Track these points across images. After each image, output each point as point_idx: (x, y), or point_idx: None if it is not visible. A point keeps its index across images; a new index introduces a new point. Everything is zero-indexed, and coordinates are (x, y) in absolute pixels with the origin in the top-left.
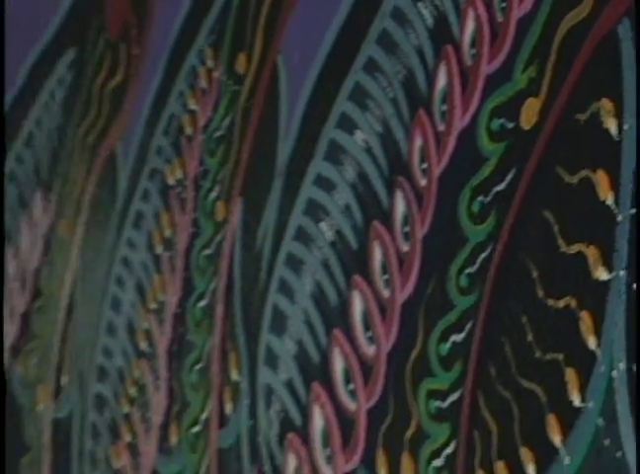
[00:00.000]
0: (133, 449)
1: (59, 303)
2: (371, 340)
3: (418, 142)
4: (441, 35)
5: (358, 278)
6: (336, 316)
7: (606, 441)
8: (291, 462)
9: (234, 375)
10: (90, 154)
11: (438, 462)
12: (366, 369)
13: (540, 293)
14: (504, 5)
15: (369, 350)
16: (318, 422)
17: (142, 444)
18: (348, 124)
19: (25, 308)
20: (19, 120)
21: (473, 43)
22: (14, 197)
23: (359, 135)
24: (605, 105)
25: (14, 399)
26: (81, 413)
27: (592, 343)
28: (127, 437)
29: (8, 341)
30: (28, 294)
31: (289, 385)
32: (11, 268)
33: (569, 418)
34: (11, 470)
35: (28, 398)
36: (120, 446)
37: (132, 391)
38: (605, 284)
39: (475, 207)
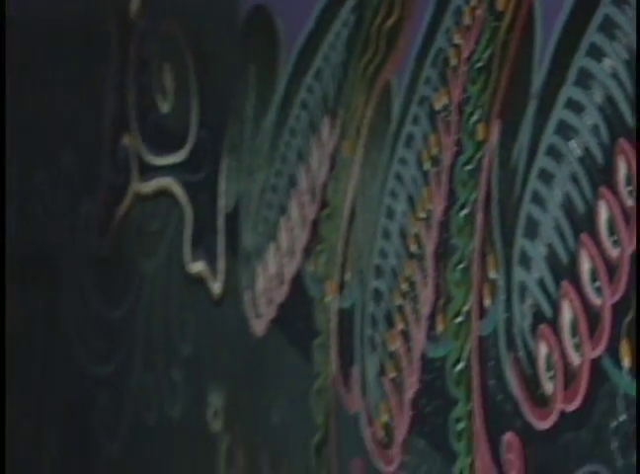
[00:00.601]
0: (405, 336)
1: (343, 212)
2: (616, 243)
3: None
4: None
5: (604, 190)
6: (583, 223)
7: None
8: (543, 349)
9: (492, 274)
10: (369, 85)
11: None
12: (611, 269)
13: None
14: None
15: (614, 252)
16: (567, 314)
17: (413, 332)
18: (597, 53)
19: (314, 216)
20: (310, 57)
21: None
22: (306, 123)
23: (606, 62)
24: None
25: (306, 292)
26: (362, 304)
27: None
28: (400, 326)
29: (301, 244)
30: (316, 204)
31: (541, 283)
32: (302, 182)
33: None
34: (304, 351)
35: (317, 291)
36: (394, 333)
37: (404, 286)
38: None
39: None
